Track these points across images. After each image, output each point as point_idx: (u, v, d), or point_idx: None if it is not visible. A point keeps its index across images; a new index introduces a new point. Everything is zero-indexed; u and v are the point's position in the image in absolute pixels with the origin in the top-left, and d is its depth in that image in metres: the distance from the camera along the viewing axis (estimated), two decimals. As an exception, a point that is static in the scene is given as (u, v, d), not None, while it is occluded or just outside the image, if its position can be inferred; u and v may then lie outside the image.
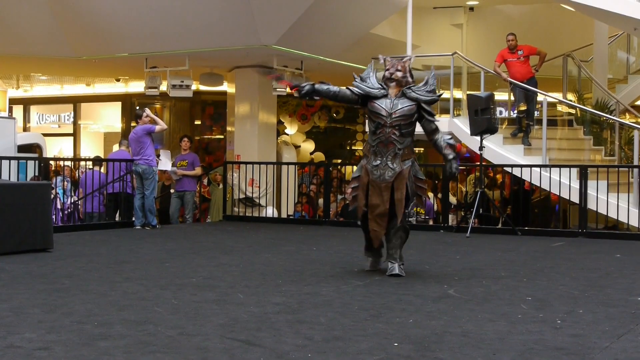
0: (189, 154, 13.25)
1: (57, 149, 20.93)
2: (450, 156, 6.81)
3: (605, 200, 11.23)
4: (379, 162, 6.74)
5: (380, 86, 6.92)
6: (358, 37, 14.22)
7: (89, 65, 15.86)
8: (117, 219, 12.22)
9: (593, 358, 4.00)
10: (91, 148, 20.96)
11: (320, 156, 20.19)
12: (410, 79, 6.90)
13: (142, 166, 11.33)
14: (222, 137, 19.71)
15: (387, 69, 6.94)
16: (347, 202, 7.19)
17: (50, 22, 13.46)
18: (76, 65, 16.26)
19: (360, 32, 14.19)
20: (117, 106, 20.95)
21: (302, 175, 17.26)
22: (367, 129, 7.19)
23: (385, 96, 6.84)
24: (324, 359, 3.93)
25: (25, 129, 21.39)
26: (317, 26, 13.16)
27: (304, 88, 6.98)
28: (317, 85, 7.01)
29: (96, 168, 12.49)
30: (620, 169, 12.03)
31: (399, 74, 6.85)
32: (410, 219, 11.17)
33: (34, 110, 22.37)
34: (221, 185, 14.35)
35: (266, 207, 14.73)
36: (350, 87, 6.98)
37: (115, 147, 15.07)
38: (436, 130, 6.92)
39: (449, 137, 7.00)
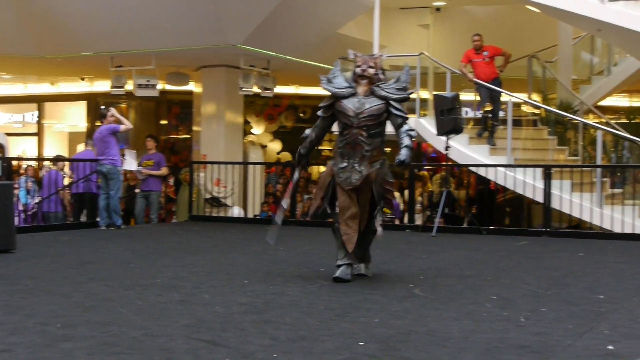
0: (155, 154, 13.16)
1: (21, 149, 20.68)
2: (405, 142, 6.38)
3: (569, 200, 11.35)
4: (345, 164, 6.44)
5: (347, 85, 6.60)
6: (325, 37, 14.22)
7: (53, 64, 15.68)
8: (82, 219, 12.10)
9: (556, 356, 4.04)
10: (56, 148, 20.74)
11: (287, 156, 20.16)
12: (382, 76, 6.61)
13: (106, 166, 11.23)
14: (188, 137, 19.59)
15: (358, 65, 6.59)
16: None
17: (13, 20, 13.29)
18: (40, 64, 16.07)
19: (328, 32, 14.19)
20: (82, 105, 20.73)
21: (268, 175, 17.24)
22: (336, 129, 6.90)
23: (353, 95, 6.52)
24: (289, 358, 3.92)
25: (-13, 129, 21.11)
26: (284, 26, 13.15)
27: (299, 162, 6.95)
28: (302, 151, 6.86)
29: (55, 168, 12.33)
30: (583, 168, 12.18)
31: (371, 70, 6.53)
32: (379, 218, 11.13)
33: (-4, 109, 22.09)
34: (188, 185, 14.26)
35: (232, 207, 14.69)
36: (320, 114, 6.72)
37: (80, 147, 14.93)
38: (402, 124, 6.53)
39: (412, 129, 6.57)
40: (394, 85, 6.56)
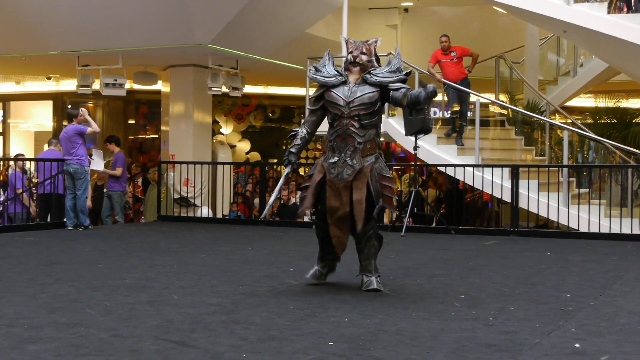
0: (116, 154, 13.03)
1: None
2: (404, 90, 5.93)
3: (536, 199, 11.45)
4: (336, 158, 5.94)
5: (337, 73, 6.16)
6: (294, 37, 14.22)
7: (18, 62, 15.51)
8: (48, 220, 11.97)
9: (524, 354, 4.07)
10: (21, 147, 20.49)
11: (256, 156, 20.15)
12: (376, 64, 6.16)
13: (73, 166, 11.12)
14: (156, 136, 19.50)
15: (350, 52, 6.16)
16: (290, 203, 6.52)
17: (-23, 19, 13.13)
18: (5, 63, 15.89)
19: (296, 32, 14.19)
20: (48, 105, 20.52)
21: (237, 175, 17.21)
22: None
23: (343, 83, 6.07)
24: (259, 359, 3.92)
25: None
26: (252, 25, 13.12)
27: (290, 162, 6.27)
28: (293, 150, 6.25)
29: (15, 168, 12.15)
30: (550, 168, 12.29)
31: (364, 57, 6.09)
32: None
33: (-40, 109, 21.78)
34: (156, 185, 14.20)
35: (201, 207, 14.63)
36: (309, 107, 6.29)
37: (47, 147, 14.77)
38: (407, 92, 5.98)
39: (407, 88, 6.04)
40: (386, 69, 6.12)
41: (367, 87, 6.02)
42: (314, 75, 6.25)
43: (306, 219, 10.35)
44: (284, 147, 21.23)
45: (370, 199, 5.90)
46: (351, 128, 5.94)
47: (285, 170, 6.47)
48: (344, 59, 6.23)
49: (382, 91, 6.02)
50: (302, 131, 6.25)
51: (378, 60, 6.18)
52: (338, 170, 5.94)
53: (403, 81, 6.07)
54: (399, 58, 6.19)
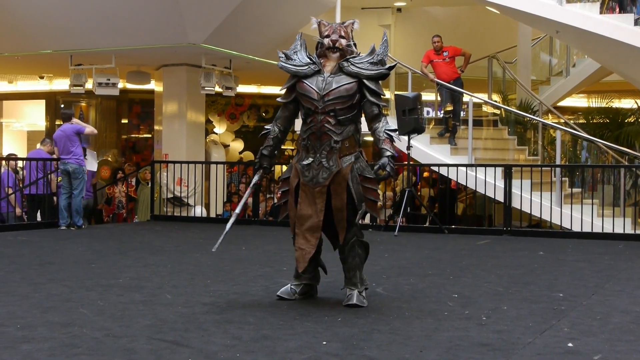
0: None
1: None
2: (387, 153, 5.21)
3: (529, 199, 11.47)
4: (310, 159, 5.24)
5: (309, 60, 5.37)
6: (287, 37, 14.18)
7: (11, 62, 15.47)
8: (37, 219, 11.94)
9: (517, 353, 4.08)
10: (14, 147, 20.45)
11: (249, 155, 20.13)
12: (354, 49, 5.39)
13: (72, 165, 11.13)
14: (149, 136, 19.47)
15: (327, 35, 5.35)
16: (277, 204, 5.75)
17: (-31, 18, 13.09)
18: (-2, 62, 15.85)
19: (289, 31, 14.16)
20: (41, 104, 20.49)
21: (231, 175, 17.19)
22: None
23: (317, 73, 5.30)
24: (252, 358, 3.91)
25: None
26: (245, 25, 13.12)
27: (261, 166, 5.62)
28: (265, 152, 5.57)
29: (9, 168, 12.11)
30: (543, 168, 12.33)
31: (343, 41, 5.31)
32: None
33: (-47, 108, 21.73)
34: (149, 184, 14.19)
35: (194, 206, 14.61)
36: (280, 100, 5.55)
37: (39, 146, 14.73)
38: (379, 116, 5.30)
39: (393, 129, 5.35)
40: (367, 59, 5.35)
41: (344, 77, 5.27)
42: (283, 64, 5.43)
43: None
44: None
45: (351, 203, 5.27)
46: (326, 125, 5.21)
47: (255, 177, 5.74)
48: (318, 43, 5.43)
49: (360, 84, 5.30)
50: (273, 130, 5.54)
51: (355, 45, 5.45)
52: (313, 173, 5.25)
53: (384, 76, 5.41)
54: (385, 47, 5.43)
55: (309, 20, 5.62)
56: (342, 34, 5.35)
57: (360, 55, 5.42)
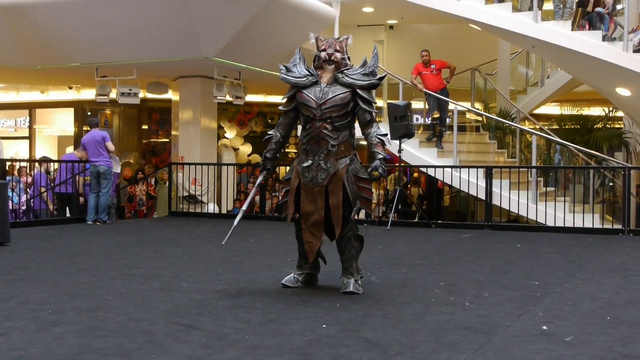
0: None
1: (14, 151, 20.37)
2: (379, 156, 5.26)
3: (508, 197, 11.48)
4: (310, 162, 5.28)
5: (308, 72, 5.40)
6: (290, 51, 13.93)
7: (43, 74, 15.45)
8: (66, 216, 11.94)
9: (497, 335, 4.09)
10: (45, 150, 20.45)
11: (257, 158, 20.06)
12: (348, 62, 5.43)
13: (103, 167, 11.26)
14: (167, 140, 19.44)
15: (323, 49, 5.39)
16: (280, 202, 5.57)
17: (7, 34, 13.06)
18: (31, 74, 15.82)
19: (292, 46, 13.99)
20: (69, 112, 20.45)
21: (240, 175, 17.16)
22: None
23: (315, 84, 5.33)
24: (260, 339, 3.92)
25: (-17, 133, 20.78)
26: (253, 41, 13.10)
27: (264, 168, 5.63)
28: (268, 155, 5.59)
29: (42, 169, 12.12)
30: (520, 169, 12.33)
31: (338, 54, 5.34)
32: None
33: (-9, 115, 21.74)
34: (167, 184, 14.19)
35: (208, 203, 14.60)
36: (282, 108, 5.56)
37: (70, 150, 14.73)
38: (371, 122, 5.34)
39: (384, 133, 5.38)
40: (359, 70, 5.38)
41: (339, 87, 5.31)
42: (284, 76, 5.48)
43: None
44: (282, 150, 21.22)
45: (347, 201, 5.30)
46: (324, 130, 5.24)
47: (259, 177, 5.73)
48: (315, 56, 5.46)
49: (354, 93, 5.33)
50: (275, 135, 5.57)
51: (349, 58, 5.47)
52: (312, 174, 5.29)
53: (375, 86, 5.42)
54: (376, 59, 5.46)
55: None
56: (337, 48, 5.39)
57: (354, 67, 5.43)
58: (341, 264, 5.50)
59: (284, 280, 5.60)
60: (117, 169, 12.63)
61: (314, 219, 5.31)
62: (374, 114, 5.40)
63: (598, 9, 12.14)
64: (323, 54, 5.37)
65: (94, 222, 11.17)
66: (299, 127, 5.64)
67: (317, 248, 5.37)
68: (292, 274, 5.64)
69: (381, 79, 5.51)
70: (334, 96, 5.26)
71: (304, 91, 5.34)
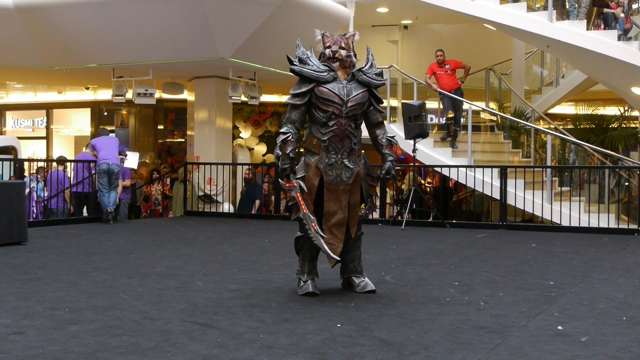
0: (123, 168, 12.88)
1: (31, 151, 20.52)
2: (390, 157, 5.21)
3: (523, 197, 11.42)
4: (333, 160, 5.06)
5: (327, 67, 5.15)
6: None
7: (60, 74, 15.57)
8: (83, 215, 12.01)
9: (512, 335, 4.06)
10: (63, 150, 20.58)
11: (271, 158, 20.09)
12: (354, 59, 5.23)
13: (117, 167, 11.49)
14: (183, 140, 19.51)
15: (328, 46, 5.20)
16: (289, 203, 5.18)
17: (25, 36, 13.17)
18: (49, 75, 15.95)
19: (307, 46, 14.14)
20: (86, 112, 20.61)
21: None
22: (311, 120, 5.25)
23: (335, 79, 5.12)
24: (274, 339, 3.91)
25: (1, 133, 20.93)
26: (267, 41, 13.12)
27: (285, 170, 5.09)
28: (291, 154, 5.07)
29: (60, 168, 12.21)
30: (535, 169, 12.27)
31: (343, 52, 5.14)
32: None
33: (9, 115, 21.90)
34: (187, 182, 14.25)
35: (223, 203, 14.64)
36: (294, 102, 5.19)
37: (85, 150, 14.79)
38: (382, 123, 5.32)
39: (392, 135, 5.34)
40: (371, 70, 5.25)
41: (357, 85, 5.15)
42: (303, 68, 5.18)
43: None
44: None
45: (362, 200, 5.28)
46: (348, 128, 5.08)
47: (294, 182, 5.10)
48: (320, 53, 5.29)
49: (369, 92, 5.22)
50: (293, 132, 5.14)
51: (355, 55, 5.25)
52: (336, 172, 5.08)
53: (382, 85, 5.42)
54: (372, 58, 5.34)
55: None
56: (343, 45, 5.20)
57: (364, 67, 5.25)
58: (345, 264, 5.37)
59: (303, 291, 5.15)
60: (134, 164, 12.77)
61: (338, 219, 5.10)
62: (382, 115, 5.41)
63: (607, 10, 12.08)
64: (327, 51, 5.21)
65: (111, 212, 11.26)
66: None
67: (340, 249, 5.10)
68: (308, 282, 5.23)
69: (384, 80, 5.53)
70: (357, 94, 5.12)
71: (326, 86, 5.10)
